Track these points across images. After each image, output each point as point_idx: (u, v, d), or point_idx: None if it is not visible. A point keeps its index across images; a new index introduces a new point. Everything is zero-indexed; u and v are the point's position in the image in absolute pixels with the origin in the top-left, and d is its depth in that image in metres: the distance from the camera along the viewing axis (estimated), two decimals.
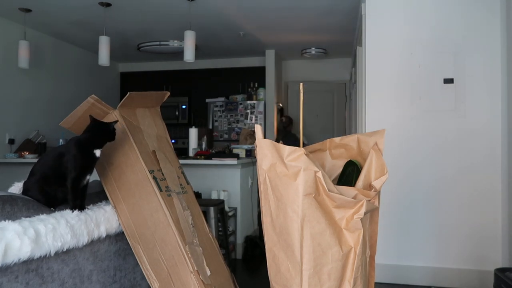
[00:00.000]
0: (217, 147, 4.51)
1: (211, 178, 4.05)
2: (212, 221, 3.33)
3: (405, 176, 3.32)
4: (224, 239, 3.64)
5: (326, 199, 1.46)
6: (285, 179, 1.46)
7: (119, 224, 1.72)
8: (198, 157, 4.02)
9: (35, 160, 4.34)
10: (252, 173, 4.42)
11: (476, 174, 3.22)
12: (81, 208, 1.60)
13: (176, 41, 6.05)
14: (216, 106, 6.91)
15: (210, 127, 6.91)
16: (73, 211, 1.55)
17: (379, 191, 1.58)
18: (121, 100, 1.76)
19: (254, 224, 4.49)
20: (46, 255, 1.35)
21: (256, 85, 6.99)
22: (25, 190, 1.58)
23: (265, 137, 1.52)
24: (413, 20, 3.35)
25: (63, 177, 1.58)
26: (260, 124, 6.63)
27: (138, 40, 6.08)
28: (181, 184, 1.90)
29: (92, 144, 1.60)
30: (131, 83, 7.63)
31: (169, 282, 1.69)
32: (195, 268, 1.68)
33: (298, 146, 1.56)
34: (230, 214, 3.95)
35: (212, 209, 3.35)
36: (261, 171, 1.53)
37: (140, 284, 1.85)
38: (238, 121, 6.81)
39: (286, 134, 6.53)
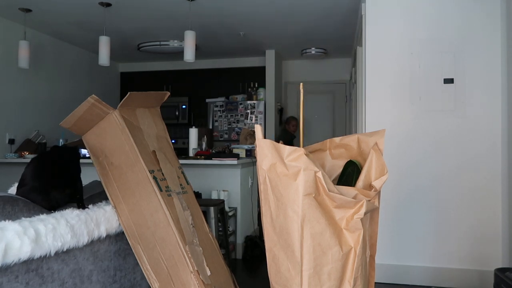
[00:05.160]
0: (217, 147, 4.52)
1: (211, 178, 4.05)
2: (212, 221, 3.33)
3: (405, 176, 3.32)
4: (224, 239, 3.64)
5: (326, 199, 1.46)
6: (285, 179, 1.46)
7: (119, 224, 1.72)
8: (198, 157, 4.01)
9: None
10: (252, 173, 4.42)
11: (476, 174, 3.22)
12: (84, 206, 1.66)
13: (176, 41, 6.05)
14: (216, 106, 6.91)
15: (210, 127, 6.91)
16: (79, 209, 1.59)
17: (379, 191, 1.58)
18: (121, 100, 1.76)
19: (254, 224, 4.49)
20: (46, 255, 1.36)
21: (256, 85, 6.99)
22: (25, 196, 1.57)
23: (265, 137, 1.52)
24: (413, 20, 3.36)
25: (71, 180, 1.61)
26: (260, 124, 6.64)
27: (138, 40, 6.08)
28: (181, 184, 1.90)
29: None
30: (131, 83, 7.63)
31: (169, 282, 1.69)
32: (195, 268, 1.68)
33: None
34: (230, 214, 3.95)
35: (212, 209, 3.35)
36: (261, 171, 1.53)
37: (140, 284, 1.85)
38: (238, 121, 6.81)
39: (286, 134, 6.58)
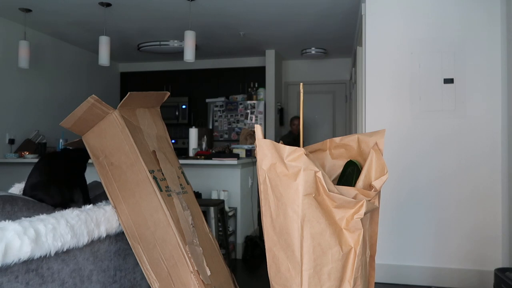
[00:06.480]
0: (217, 147, 4.51)
1: (211, 178, 4.05)
2: (212, 221, 3.33)
3: (405, 176, 3.32)
4: (224, 239, 3.65)
5: (326, 199, 1.46)
6: (285, 179, 1.46)
7: (119, 224, 1.73)
8: (198, 157, 4.02)
9: (35, 160, 4.29)
10: (252, 173, 4.42)
11: (476, 174, 3.22)
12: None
13: (176, 41, 6.05)
14: (216, 106, 6.91)
15: (210, 127, 6.91)
16: (84, 206, 1.61)
17: (379, 191, 1.58)
18: (121, 100, 1.76)
19: (254, 224, 4.49)
20: (46, 255, 1.35)
21: (256, 85, 6.99)
22: (34, 192, 1.59)
23: (265, 137, 1.52)
24: (413, 20, 3.36)
25: (77, 179, 1.64)
26: (260, 124, 6.66)
27: (138, 40, 6.08)
28: (181, 184, 1.90)
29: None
30: (131, 83, 7.64)
31: (169, 282, 1.69)
32: (195, 268, 1.68)
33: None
34: (230, 214, 3.95)
35: (212, 209, 3.35)
36: (261, 171, 1.53)
37: (140, 284, 1.85)
38: (238, 121, 6.81)
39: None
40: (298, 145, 1.66)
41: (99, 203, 1.76)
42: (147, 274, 1.71)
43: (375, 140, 1.67)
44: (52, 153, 1.77)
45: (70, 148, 1.86)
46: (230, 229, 4.03)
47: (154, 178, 1.73)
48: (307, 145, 1.91)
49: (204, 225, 1.94)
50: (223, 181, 4.04)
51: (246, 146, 4.36)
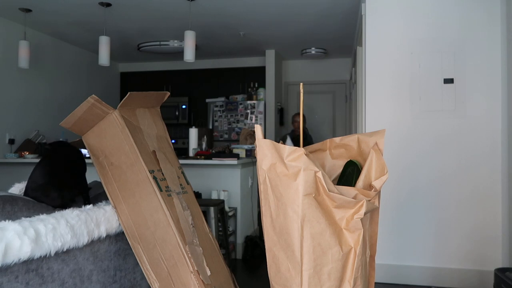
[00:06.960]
0: (217, 147, 4.51)
1: (211, 178, 4.05)
2: (212, 221, 3.33)
3: (405, 176, 3.32)
4: (224, 239, 3.64)
5: (326, 199, 1.46)
6: (285, 179, 1.46)
7: (119, 224, 1.73)
8: (198, 157, 4.02)
9: (36, 160, 4.29)
10: (252, 173, 4.42)
11: (476, 174, 3.22)
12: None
13: (176, 41, 6.05)
14: (216, 106, 6.91)
15: (210, 127, 6.91)
16: (84, 206, 1.62)
17: (379, 191, 1.58)
18: (121, 100, 1.76)
19: (254, 224, 4.49)
20: (46, 255, 1.36)
21: (256, 85, 6.99)
22: (36, 193, 1.60)
23: (265, 137, 1.52)
24: (413, 20, 3.36)
25: (78, 178, 1.64)
26: (260, 124, 6.66)
27: (138, 40, 6.08)
28: (181, 184, 1.90)
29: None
30: (131, 83, 7.63)
31: (169, 282, 1.69)
32: (195, 268, 1.68)
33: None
34: (230, 214, 3.95)
35: (212, 209, 3.35)
36: (261, 171, 1.53)
37: (140, 284, 1.85)
38: (238, 121, 6.81)
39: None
40: (299, 145, 1.67)
41: (99, 203, 1.76)
42: (147, 274, 1.71)
43: (375, 140, 1.67)
44: (52, 153, 1.76)
45: (69, 142, 1.87)
46: (230, 229, 4.03)
47: (154, 178, 1.73)
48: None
49: (204, 225, 1.94)
50: (223, 181, 4.03)
51: (246, 146, 4.36)
